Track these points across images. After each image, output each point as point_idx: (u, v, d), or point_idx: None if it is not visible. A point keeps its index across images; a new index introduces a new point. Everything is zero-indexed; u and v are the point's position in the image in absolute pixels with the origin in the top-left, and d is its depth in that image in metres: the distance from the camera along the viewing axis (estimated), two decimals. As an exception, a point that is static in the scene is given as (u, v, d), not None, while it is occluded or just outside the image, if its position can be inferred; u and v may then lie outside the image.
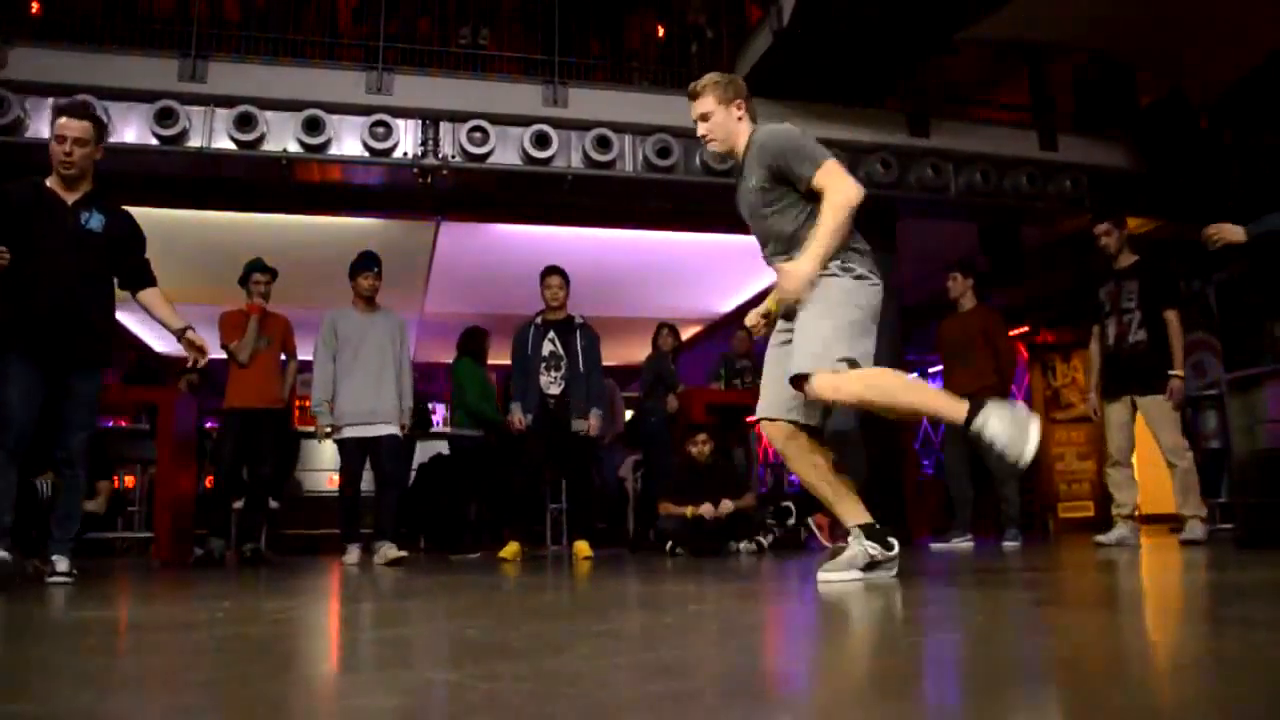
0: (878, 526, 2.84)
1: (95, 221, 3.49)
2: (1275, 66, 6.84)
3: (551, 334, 5.46)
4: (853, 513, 2.86)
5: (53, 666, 1.49)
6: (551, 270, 5.57)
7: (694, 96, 3.05)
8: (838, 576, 2.76)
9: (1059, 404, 10.01)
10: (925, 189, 7.27)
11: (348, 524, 5.22)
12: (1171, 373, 4.87)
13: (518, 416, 5.38)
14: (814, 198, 2.80)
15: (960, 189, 7.37)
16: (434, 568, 4.68)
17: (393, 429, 5.23)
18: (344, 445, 5.22)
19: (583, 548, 5.32)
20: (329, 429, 5.24)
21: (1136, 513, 5.04)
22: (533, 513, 6.69)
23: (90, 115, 3.58)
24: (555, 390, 5.37)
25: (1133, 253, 5.17)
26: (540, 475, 5.82)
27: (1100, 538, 5.02)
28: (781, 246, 2.92)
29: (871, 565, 2.79)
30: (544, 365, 5.39)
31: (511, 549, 5.22)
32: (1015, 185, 7.45)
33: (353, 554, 5.10)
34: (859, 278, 2.80)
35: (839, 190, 2.74)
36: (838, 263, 2.78)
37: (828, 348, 2.70)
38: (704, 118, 3.04)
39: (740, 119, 3.02)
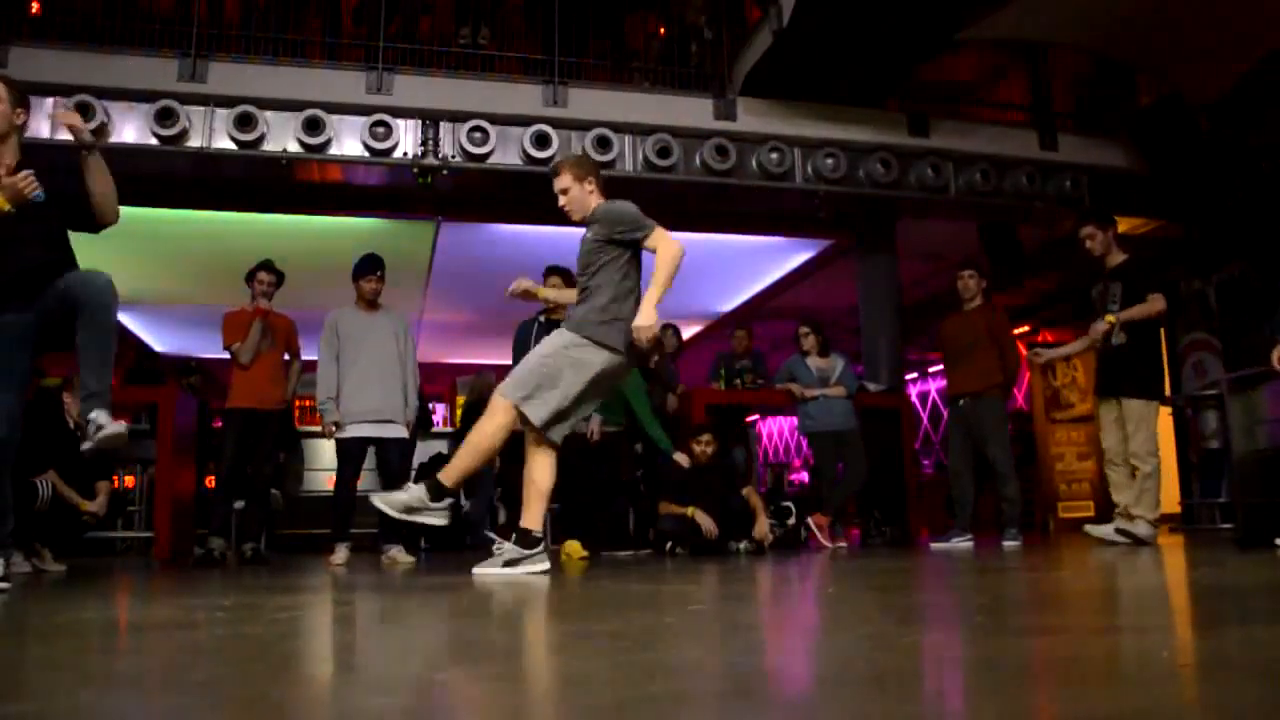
0: (533, 534, 3.54)
1: (39, 192, 3.16)
2: (1275, 66, 6.84)
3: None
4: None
5: (53, 666, 1.49)
6: (554, 270, 5.56)
7: (553, 174, 3.78)
8: (486, 572, 3.44)
9: (1059, 404, 10.02)
10: (925, 189, 7.26)
11: (339, 524, 5.17)
12: (1108, 316, 4.85)
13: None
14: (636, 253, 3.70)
15: (960, 189, 7.36)
16: (434, 568, 4.68)
17: (399, 430, 5.22)
18: (344, 444, 5.17)
19: (575, 548, 5.30)
20: (334, 426, 5.18)
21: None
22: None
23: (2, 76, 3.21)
24: None
25: (1121, 251, 5.13)
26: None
27: (1090, 528, 5.01)
28: (589, 281, 3.66)
29: (512, 562, 3.48)
30: None
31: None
32: (1015, 185, 7.45)
33: (340, 554, 5.01)
34: (584, 343, 3.53)
35: (669, 249, 3.59)
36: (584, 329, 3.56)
37: (514, 387, 3.47)
38: (563, 191, 3.74)
39: (591, 192, 3.75)
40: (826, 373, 6.34)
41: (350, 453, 5.17)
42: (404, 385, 5.26)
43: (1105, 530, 4.97)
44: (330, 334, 5.25)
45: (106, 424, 2.99)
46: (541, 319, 5.54)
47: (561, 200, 3.75)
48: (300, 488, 7.71)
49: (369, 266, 5.32)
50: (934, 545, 5.71)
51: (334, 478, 7.91)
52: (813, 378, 6.29)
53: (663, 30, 8.42)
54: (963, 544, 5.57)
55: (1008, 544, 5.43)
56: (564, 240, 8.15)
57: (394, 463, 5.24)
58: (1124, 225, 8.00)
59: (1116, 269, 5.07)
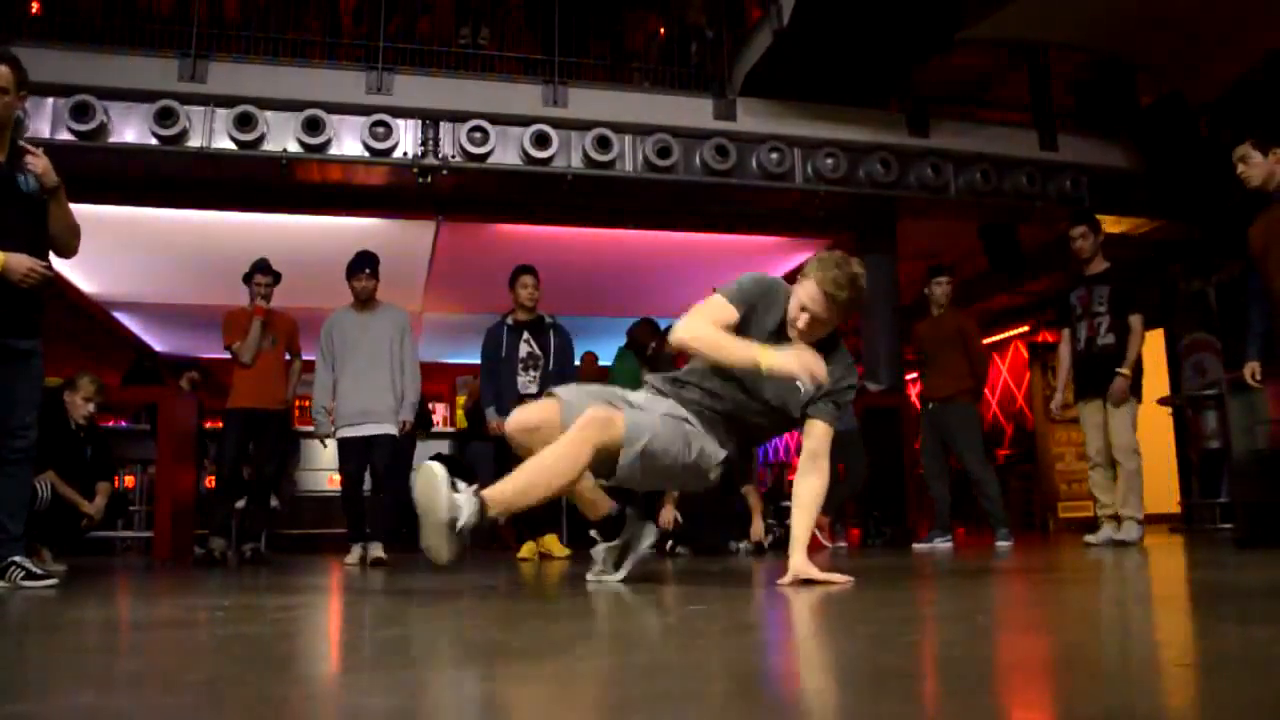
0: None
1: (33, 184, 3.17)
2: (1274, 67, 6.85)
3: (526, 334, 5.48)
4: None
5: (53, 666, 1.49)
6: (525, 269, 5.56)
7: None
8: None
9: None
10: (925, 189, 7.26)
11: (351, 524, 5.20)
12: (1118, 370, 4.96)
13: (495, 421, 5.29)
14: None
15: (960, 189, 7.36)
16: (436, 567, 4.67)
17: (387, 428, 5.18)
18: (342, 445, 5.23)
19: (554, 545, 5.33)
20: (326, 435, 5.29)
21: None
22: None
23: (8, 57, 3.12)
24: (533, 389, 5.36)
25: (1104, 260, 5.28)
26: None
27: (1089, 538, 5.10)
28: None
29: None
30: (521, 366, 5.40)
31: (529, 549, 5.29)
32: (1015, 185, 7.45)
33: (355, 554, 5.08)
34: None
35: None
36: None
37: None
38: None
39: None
40: (827, 373, 6.33)
41: (347, 453, 5.20)
42: (394, 382, 5.23)
43: (1100, 536, 5.06)
44: (325, 340, 5.27)
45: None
46: (509, 321, 5.55)
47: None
48: (295, 488, 7.72)
49: (359, 265, 5.30)
50: (915, 547, 5.73)
51: (334, 478, 7.90)
52: (813, 378, 6.28)
53: (663, 30, 8.42)
54: (943, 545, 5.60)
55: (1000, 544, 5.46)
56: (564, 240, 8.19)
57: (380, 461, 5.23)
58: (1124, 225, 8.00)
59: (1102, 274, 5.22)
